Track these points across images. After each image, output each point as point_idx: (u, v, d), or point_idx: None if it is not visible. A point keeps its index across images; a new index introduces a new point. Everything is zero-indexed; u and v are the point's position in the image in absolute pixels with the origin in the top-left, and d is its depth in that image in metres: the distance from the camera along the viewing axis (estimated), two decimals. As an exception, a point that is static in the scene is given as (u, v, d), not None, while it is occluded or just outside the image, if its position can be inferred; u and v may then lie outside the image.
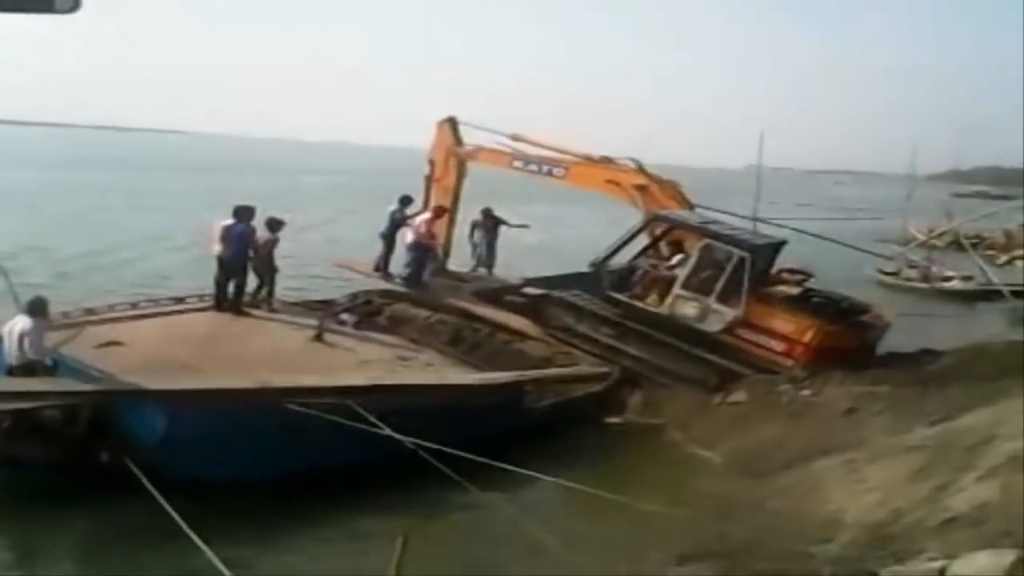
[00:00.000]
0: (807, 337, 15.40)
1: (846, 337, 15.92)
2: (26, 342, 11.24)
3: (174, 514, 8.55)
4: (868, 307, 17.61)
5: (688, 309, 16.06)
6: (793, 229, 19.14)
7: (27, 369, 11.24)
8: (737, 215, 20.12)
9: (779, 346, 15.54)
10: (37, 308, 11.66)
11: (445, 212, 20.08)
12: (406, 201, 19.85)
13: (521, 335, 17.06)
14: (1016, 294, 28.88)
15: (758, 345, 15.66)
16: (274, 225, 16.31)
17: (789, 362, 15.35)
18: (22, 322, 11.37)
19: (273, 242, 16.23)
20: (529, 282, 19.71)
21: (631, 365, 16.06)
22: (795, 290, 16.55)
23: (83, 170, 74.24)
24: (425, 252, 19.09)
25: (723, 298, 15.82)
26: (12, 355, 11.31)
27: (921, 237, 37.66)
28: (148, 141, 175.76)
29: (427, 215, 19.35)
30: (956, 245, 39.18)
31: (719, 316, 15.82)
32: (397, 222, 19.56)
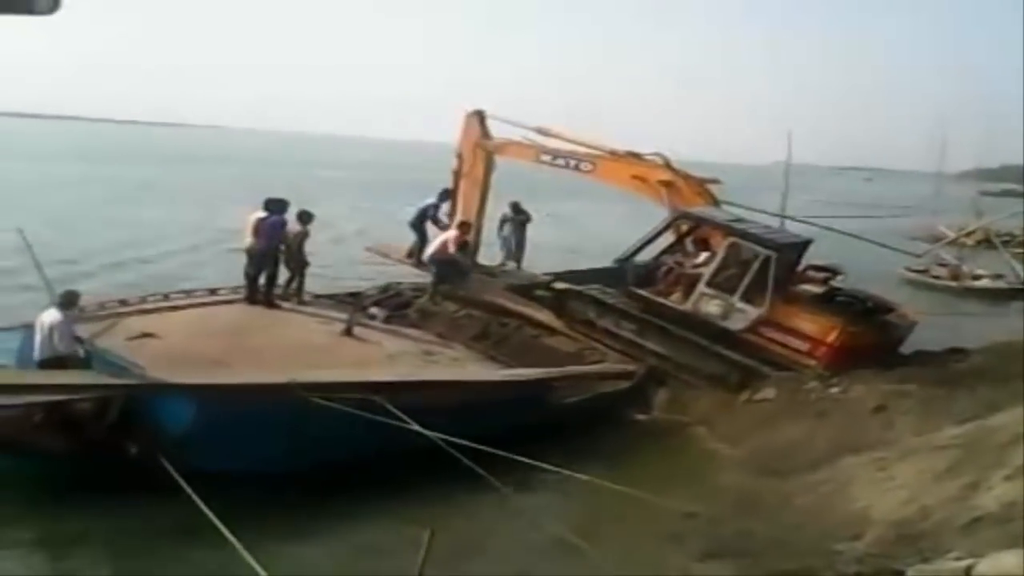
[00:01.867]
0: (830, 338, 15.27)
1: (870, 337, 15.79)
2: (55, 335, 11.34)
3: (204, 507, 8.56)
4: (893, 306, 17.49)
5: (712, 307, 15.96)
6: (821, 227, 19.00)
7: (58, 362, 11.34)
8: (764, 211, 20.01)
9: (802, 346, 15.43)
10: (68, 301, 11.77)
11: (470, 228, 19.94)
12: (444, 196, 20.05)
13: (550, 330, 17.05)
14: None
15: (781, 344, 15.55)
16: (305, 218, 16.41)
17: (812, 362, 15.24)
18: (52, 315, 11.49)
19: (304, 235, 16.33)
20: (558, 276, 19.62)
21: (652, 361, 16.02)
22: (820, 289, 16.45)
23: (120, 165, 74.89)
24: (448, 266, 18.92)
25: (748, 296, 15.73)
26: (42, 348, 11.44)
27: (951, 235, 37.33)
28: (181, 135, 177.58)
29: (453, 233, 19.19)
30: (986, 243, 38.82)
31: (743, 315, 15.73)
32: (427, 215, 19.71)
